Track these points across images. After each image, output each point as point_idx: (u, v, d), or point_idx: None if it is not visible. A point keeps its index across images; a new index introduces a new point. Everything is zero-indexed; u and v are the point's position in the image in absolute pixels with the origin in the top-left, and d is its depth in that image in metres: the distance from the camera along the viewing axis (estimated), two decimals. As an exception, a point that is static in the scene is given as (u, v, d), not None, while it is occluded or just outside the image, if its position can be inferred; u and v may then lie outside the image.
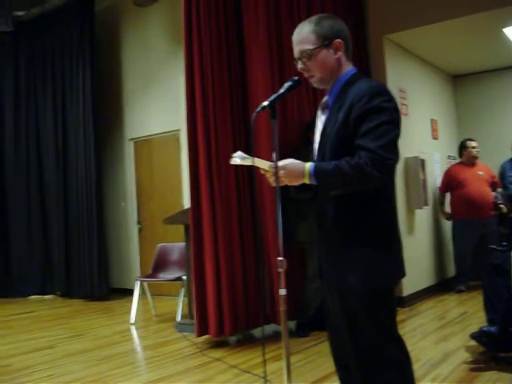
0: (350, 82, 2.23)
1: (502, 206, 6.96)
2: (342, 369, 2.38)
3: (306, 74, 2.29)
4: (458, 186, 7.09)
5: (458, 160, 7.48)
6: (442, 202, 7.44)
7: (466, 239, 7.07)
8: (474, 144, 7.16)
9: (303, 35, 2.25)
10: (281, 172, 2.15)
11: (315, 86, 2.34)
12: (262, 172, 2.25)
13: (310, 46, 2.22)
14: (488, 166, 7.28)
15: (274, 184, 2.18)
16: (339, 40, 2.24)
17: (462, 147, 7.28)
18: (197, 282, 4.89)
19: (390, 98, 2.14)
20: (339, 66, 2.26)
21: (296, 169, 2.15)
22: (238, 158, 2.21)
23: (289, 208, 5.02)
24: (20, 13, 8.95)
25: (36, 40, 9.22)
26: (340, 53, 2.25)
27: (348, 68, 2.29)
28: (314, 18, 2.27)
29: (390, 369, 2.18)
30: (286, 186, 2.22)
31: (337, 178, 2.08)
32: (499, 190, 7.15)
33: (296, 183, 2.19)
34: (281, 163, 2.16)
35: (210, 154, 4.91)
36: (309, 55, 2.23)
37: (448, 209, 7.48)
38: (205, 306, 4.88)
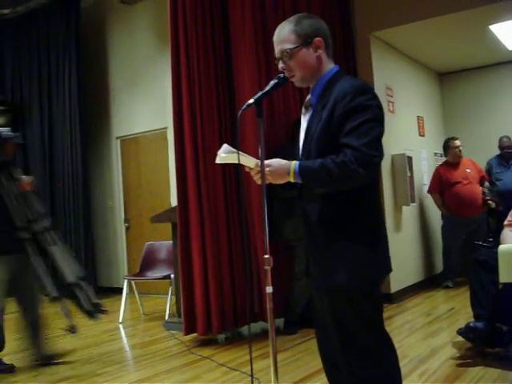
0: (332, 80, 2.24)
1: (490, 201, 7.01)
2: (329, 367, 2.39)
3: (287, 74, 2.29)
4: (450, 187, 7.10)
5: (444, 159, 7.48)
6: (441, 204, 7.33)
7: (455, 236, 7.11)
8: (457, 143, 7.15)
9: (283, 35, 2.26)
10: (266, 170, 2.15)
11: (297, 84, 2.35)
12: (247, 170, 2.25)
13: (290, 46, 2.23)
14: (473, 161, 7.31)
15: (259, 182, 2.18)
16: (319, 38, 2.24)
17: (446, 147, 7.27)
18: (184, 281, 4.88)
19: (374, 96, 2.15)
20: (320, 65, 2.26)
21: (281, 167, 2.15)
22: (224, 153, 2.20)
23: (276, 206, 5.02)
24: (5, 11, 8.89)
25: (21, 38, 9.13)
26: (320, 51, 2.25)
27: (330, 66, 2.29)
28: (293, 18, 2.28)
29: (376, 365, 2.19)
30: (272, 184, 2.22)
31: (322, 176, 2.08)
32: (486, 184, 7.19)
33: (281, 182, 2.19)
34: (266, 161, 2.16)
35: (196, 152, 4.90)
36: (289, 55, 2.24)
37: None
38: (192, 304, 4.87)
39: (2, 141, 4.53)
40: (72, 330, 4.65)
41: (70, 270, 4.54)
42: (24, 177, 4.70)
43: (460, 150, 7.14)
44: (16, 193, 4.47)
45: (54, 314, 6.86)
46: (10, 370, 4.47)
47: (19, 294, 4.60)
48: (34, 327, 4.66)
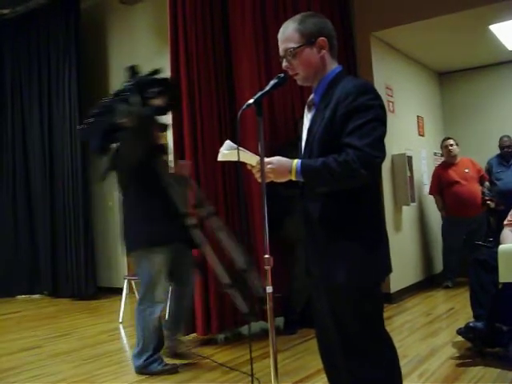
0: (335, 80, 2.24)
1: (489, 202, 7.01)
2: (330, 367, 2.38)
3: (290, 72, 2.29)
4: (449, 187, 7.12)
5: (443, 159, 7.50)
6: (442, 206, 7.33)
7: (455, 236, 7.11)
8: (450, 142, 7.21)
9: (287, 34, 2.26)
10: (268, 168, 2.15)
11: (300, 83, 2.34)
12: (249, 167, 2.25)
13: (293, 45, 2.23)
14: (473, 160, 7.31)
15: (260, 180, 2.18)
16: (323, 38, 2.24)
17: (442, 146, 7.38)
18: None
19: (376, 96, 2.15)
20: (323, 65, 2.26)
21: (283, 165, 2.15)
22: (225, 149, 2.20)
23: (276, 204, 5.01)
24: (5, 11, 8.88)
25: (21, 38, 9.13)
26: (324, 51, 2.25)
27: (333, 66, 2.29)
28: (298, 17, 2.28)
29: (377, 365, 2.19)
30: (274, 182, 2.22)
31: (324, 175, 2.08)
32: (487, 184, 7.19)
33: (282, 180, 2.18)
34: (268, 159, 2.16)
35: (196, 151, 4.89)
36: (293, 54, 2.24)
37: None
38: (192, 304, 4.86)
39: (165, 129, 4.37)
40: (253, 314, 4.52)
41: (239, 256, 4.20)
42: (182, 161, 4.57)
43: (451, 150, 7.17)
44: (176, 178, 4.26)
45: (40, 314, 6.87)
46: (174, 369, 4.20)
47: (176, 283, 4.43)
48: (179, 317, 4.52)
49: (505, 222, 4.29)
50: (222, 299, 4.90)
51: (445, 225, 7.34)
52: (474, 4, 5.93)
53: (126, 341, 5.62)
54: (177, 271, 4.34)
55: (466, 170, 7.12)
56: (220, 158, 2.24)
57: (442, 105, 8.86)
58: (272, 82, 2.29)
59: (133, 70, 4.32)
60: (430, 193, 7.45)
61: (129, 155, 4.07)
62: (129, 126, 3.98)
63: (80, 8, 8.56)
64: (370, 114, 2.08)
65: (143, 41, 8.16)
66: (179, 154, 4.92)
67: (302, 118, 2.46)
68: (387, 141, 2.11)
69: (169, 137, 7.41)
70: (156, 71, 4.27)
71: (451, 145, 7.18)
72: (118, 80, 8.48)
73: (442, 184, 7.20)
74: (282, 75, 2.29)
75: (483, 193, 7.08)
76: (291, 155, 2.23)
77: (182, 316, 4.54)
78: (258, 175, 2.20)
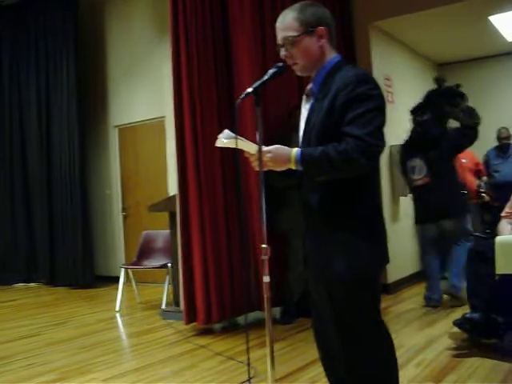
0: (334, 69, 2.22)
1: (483, 194, 7.01)
2: (326, 357, 2.38)
3: (289, 61, 2.27)
4: None
5: None
6: None
7: None
8: None
9: (286, 22, 2.23)
10: (267, 156, 2.14)
11: (298, 73, 2.33)
12: (247, 155, 2.23)
13: (292, 33, 2.21)
14: (473, 153, 7.31)
15: (257, 168, 2.17)
16: (322, 28, 2.22)
17: None
18: (184, 270, 4.88)
19: (376, 86, 2.13)
20: (322, 54, 2.25)
21: (282, 153, 2.14)
22: (224, 138, 2.19)
23: (272, 195, 5.01)
24: (1, -1, 8.83)
25: (19, 27, 9.07)
26: (323, 40, 2.23)
27: (332, 55, 2.27)
28: (297, 5, 2.26)
29: (373, 355, 2.19)
30: (268, 173, 2.21)
31: (323, 164, 2.06)
32: (484, 178, 7.19)
33: (281, 168, 2.17)
34: (266, 148, 2.15)
35: (196, 140, 4.89)
36: (292, 42, 2.22)
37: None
38: (192, 294, 4.88)
39: None
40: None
41: None
42: None
43: None
44: None
45: (38, 303, 6.88)
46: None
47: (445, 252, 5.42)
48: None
49: (502, 214, 4.29)
50: (221, 289, 4.91)
51: None
52: (473, -5, 5.92)
53: (123, 329, 5.63)
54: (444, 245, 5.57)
55: (464, 160, 7.12)
56: (218, 144, 2.23)
57: (441, 96, 8.82)
58: (271, 71, 2.27)
59: (441, 80, 5.87)
60: None
61: (464, 145, 5.64)
62: (470, 125, 5.49)
63: (78, -1, 8.52)
64: (370, 104, 2.06)
65: (141, 29, 8.13)
66: (180, 142, 4.91)
67: (296, 108, 2.44)
68: (385, 131, 2.10)
69: (167, 126, 7.44)
70: (458, 85, 5.79)
71: None
72: (116, 69, 8.50)
73: None
74: (281, 64, 2.28)
75: (479, 185, 7.08)
76: (287, 145, 2.21)
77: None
78: (255, 163, 2.18)
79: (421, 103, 5.75)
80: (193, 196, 4.85)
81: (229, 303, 5.00)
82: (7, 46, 9.25)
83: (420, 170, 5.48)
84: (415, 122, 5.73)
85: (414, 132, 5.75)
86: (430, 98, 5.72)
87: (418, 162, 5.50)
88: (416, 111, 5.71)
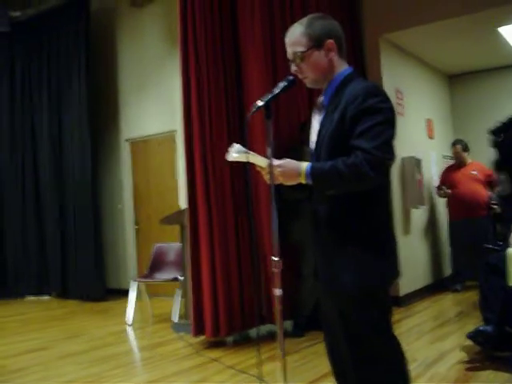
0: (345, 81, 2.23)
1: (495, 206, 6.97)
2: (338, 371, 2.36)
3: (299, 75, 2.29)
4: (451, 187, 7.12)
5: (453, 161, 7.52)
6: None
7: (460, 239, 7.11)
8: (457, 148, 7.25)
9: (295, 37, 2.25)
10: (277, 170, 2.15)
11: (309, 86, 2.34)
12: (258, 169, 2.25)
13: (301, 49, 2.22)
14: (483, 165, 7.28)
15: (269, 182, 2.17)
16: (331, 41, 2.23)
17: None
18: (193, 283, 4.88)
19: (386, 99, 2.14)
20: (332, 67, 2.26)
21: (293, 168, 2.14)
22: (235, 153, 2.20)
23: (283, 208, 5.01)
24: (16, 13, 8.93)
25: (32, 41, 9.21)
26: (332, 53, 2.25)
27: (342, 68, 2.28)
28: (305, 20, 2.27)
29: (385, 369, 2.18)
30: (280, 186, 2.22)
31: (333, 178, 2.07)
32: (497, 188, 7.15)
33: (292, 182, 2.18)
34: (278, 162, 2.16)
35: (205, 154, 4.91)
36: (301, 57, 2.23)
37: (445, 209, 7.51)
38: (201, 306, 4.88)
39: None
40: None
41: None
42: None
43: (457, 155, 7.25)
44: None
45: (49, 315, 6.89)
46: None
47: None
48: None
49: (514, 225, 4.26)
50: (230, 302, 4.91)
51: (450, 227, 7.34)
52: (482, 6, 5.92)
53: (135, 342, 5.63)
54: None
55: (474, 172, 7.12)
56: (229, 158, 2.24)
57: (452, 107, 8.83)
58: (281, 85, 2.28)
59: None
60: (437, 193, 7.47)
61: None
62: None
63: (90, 11, 8.62)
64: (379, 117, 2.06)
65: (152, 43, 8.19)
66: (189, 155, 4.93)
67: (306, 122, 2.45)
68: (396, 143, 2.10)
69: (178, 140, 7.48)
70: None
71: (457, 152, 7.23)
72: (127, 82, 8.56)
73: (446, 184, 7.21)
74: (291, 78, 2.29)
75: (490, 197, 7.05)
76: (297, 158, 2.22)
77: None
78: (267, 177, 2.19)
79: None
80: (202, 209, 4.86)
81: (238, 316, 4.99)
82: (19, 61, 9.37)
83: None
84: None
85: None
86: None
87: None
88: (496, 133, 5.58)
